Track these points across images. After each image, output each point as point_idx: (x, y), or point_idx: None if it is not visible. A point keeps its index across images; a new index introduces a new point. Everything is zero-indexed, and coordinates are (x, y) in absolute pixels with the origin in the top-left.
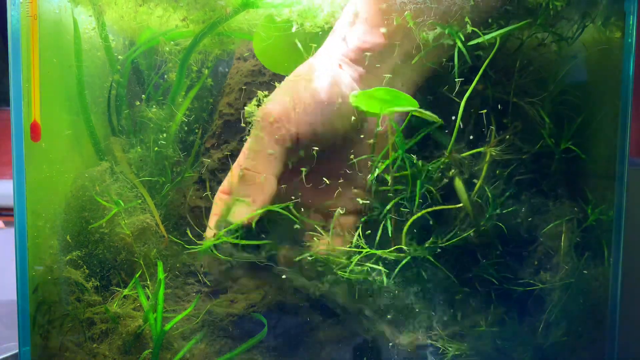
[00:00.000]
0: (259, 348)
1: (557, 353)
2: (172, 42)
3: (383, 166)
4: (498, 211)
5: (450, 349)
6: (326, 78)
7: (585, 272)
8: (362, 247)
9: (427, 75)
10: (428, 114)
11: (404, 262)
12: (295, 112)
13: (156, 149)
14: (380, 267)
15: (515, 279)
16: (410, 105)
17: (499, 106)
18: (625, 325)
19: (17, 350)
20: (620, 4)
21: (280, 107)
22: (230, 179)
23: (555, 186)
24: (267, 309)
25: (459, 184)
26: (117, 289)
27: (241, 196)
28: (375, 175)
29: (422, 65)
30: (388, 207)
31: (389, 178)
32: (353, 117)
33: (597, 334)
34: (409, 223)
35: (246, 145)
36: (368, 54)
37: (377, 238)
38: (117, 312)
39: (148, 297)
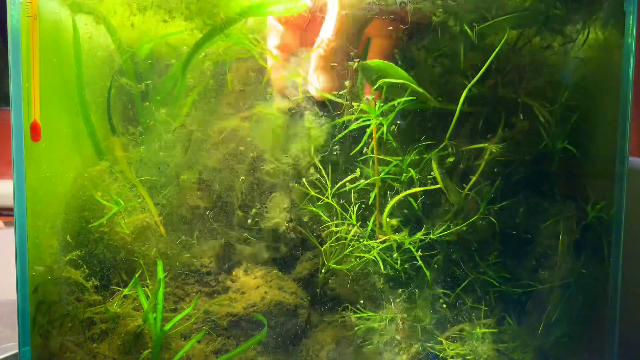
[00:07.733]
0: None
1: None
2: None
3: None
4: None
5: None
6: None
7: (584, 271)
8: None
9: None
10: (421, 91)
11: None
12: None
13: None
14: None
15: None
16: (406, 80)
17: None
18: (625, 325)
19: (17, 350)
20: (620, 3)
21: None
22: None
23: (556, 186)
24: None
25: (434, 166)
26: (117, 288)
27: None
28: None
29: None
30: (369, 180)
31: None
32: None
33: (597, 334)
34: (390, 204)
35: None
36: None
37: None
38: (117, 312)
39: (148, 297)
